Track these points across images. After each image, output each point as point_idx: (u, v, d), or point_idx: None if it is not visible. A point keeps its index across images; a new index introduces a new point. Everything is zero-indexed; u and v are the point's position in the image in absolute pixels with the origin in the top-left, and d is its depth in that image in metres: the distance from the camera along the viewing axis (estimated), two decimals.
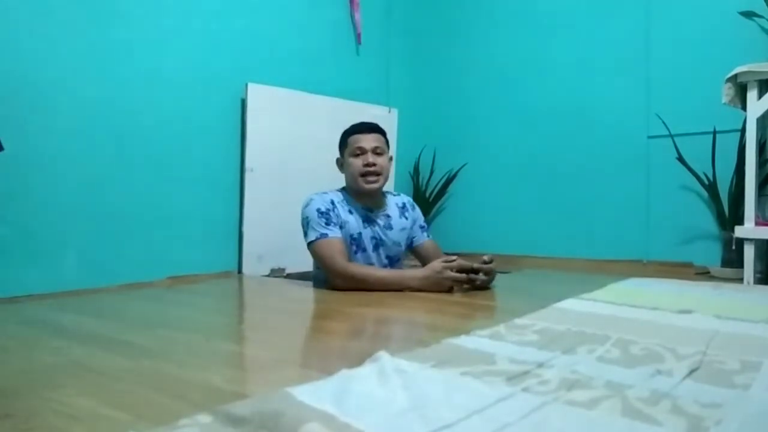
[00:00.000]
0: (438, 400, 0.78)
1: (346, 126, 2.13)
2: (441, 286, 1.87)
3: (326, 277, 1.99)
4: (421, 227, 2.27)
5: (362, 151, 2.03)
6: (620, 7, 3.07)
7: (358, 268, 1.95)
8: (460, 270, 1.88)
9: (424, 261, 2.22)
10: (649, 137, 2.95)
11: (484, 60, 3.59)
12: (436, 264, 1.89)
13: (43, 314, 1.70)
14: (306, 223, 1.99)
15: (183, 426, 0.70)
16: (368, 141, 2.05)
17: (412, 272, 1.97)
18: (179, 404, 0.84)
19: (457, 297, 1.86)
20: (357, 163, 2.03)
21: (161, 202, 2.44)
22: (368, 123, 2.11)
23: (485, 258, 1.95)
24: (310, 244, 1.98)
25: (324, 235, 1.94)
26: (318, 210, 1.98)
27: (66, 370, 1.05)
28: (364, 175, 2.03)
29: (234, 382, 1.01)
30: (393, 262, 2.17)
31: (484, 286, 1.93)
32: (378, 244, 2.10)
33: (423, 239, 2.25)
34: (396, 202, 2.23)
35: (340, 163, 2.13)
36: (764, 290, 1.97)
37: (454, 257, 1.93)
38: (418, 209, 2.31)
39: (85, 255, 2.19)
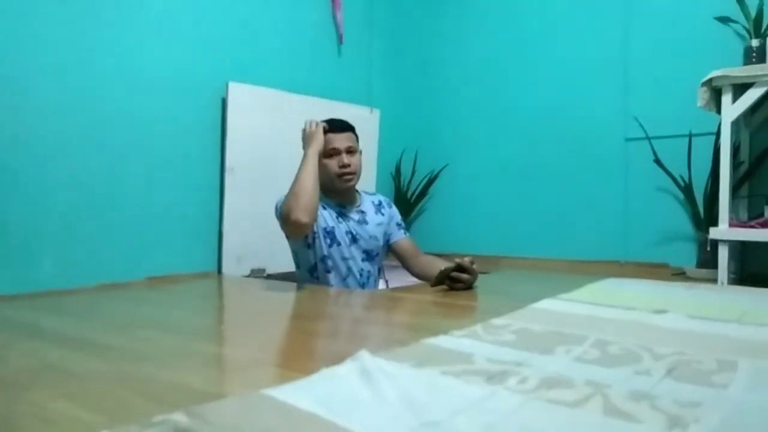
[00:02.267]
0: (421, 399, 0.79)
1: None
2: (311, 132, 1.98)
3: (285, 229, 1.97)
4: (398, 224, 2.28)
5: (336, 152, 2.05)
6: (599, 11, 3.10)
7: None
8: (445, 274, 1.87)
9: (402, 259, 2.23)
10: (627, 140, 2.99)
11: (465, 61, 3.61)
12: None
13: (16, 315, 1.67)
14: (277, 209, 2.01)
15: (157, 424, 0.69)
16: (341, 141, 2.06)
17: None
18: (156, 406, 0.83)
19: (436, 297, 1.86)
20: (332, 164, 2.05)
21: (139, 201, 2.41)
22: (339, 121, 2.11)
23: (467, 259, 1.96)
24: (278, 214, 1.98)
25: (285, 196, 1.95)
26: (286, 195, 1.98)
27: (40, 373, 1.03)
28: (340, 176, 2.05)
29: (212, 383, 1.01)
30: (372, 256, 2.17)
31: (468, 286, 1.95)
32: (354, 238, 2.11)
33: (400, 236, 2.26)
34: (372, 200, 2.25)
35: None
36: (737, 290, 2.00)
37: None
38: (395, 207, 2.33)
39: (61, 254, 2.16)
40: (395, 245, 2.24)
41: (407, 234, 2.30)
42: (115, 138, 2.34)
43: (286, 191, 2.07)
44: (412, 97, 3.84)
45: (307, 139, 2.02)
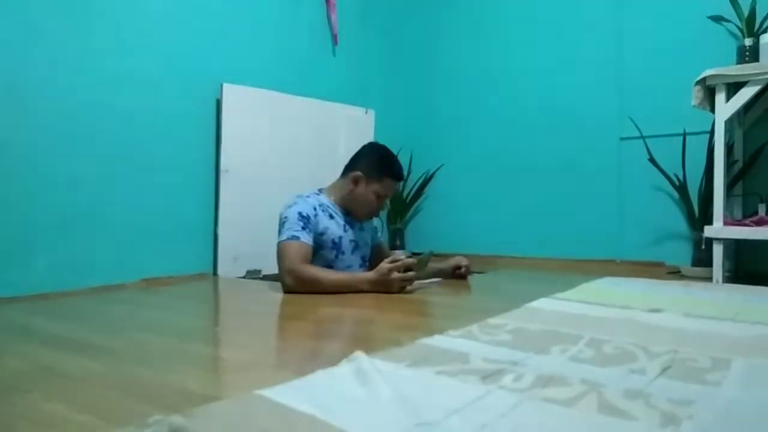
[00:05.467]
0: (417, 399, 0.79)
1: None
2: (390, 288, 1.86)
3: (279, 277, 1.97)
4: (376, 228, 2.35)
5: (384, 196, 2.07)
6: (594, 12, 3.11)
7: (310, 270, 1.92)
8: (407, 269, 1.88)
9: (374, 260, 2.22)
10: (622, 139, 3.00)
11: (460, 62, 3.61)
12: (383, 266, 1.87)
13: (11, 318, 1.66)
14: (283, 222, 1.97)
15: (153, 425, 0.69)
16: (393, 190, 2.12)
17: (362, 275, 1.95)
18: (151, 408, 0.82)
19: (429, 297, 1.87)
20: (375, 202, 2.06)
21: (135, 202, 2.40)
22: (402, 171, 2.14)
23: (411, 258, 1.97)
24: (279, 243, 1.94)
25: (295, 237, 1.92)
26: (300, 213, 1.96)
27: (35, 376, 1.03)
28: (369, 213, 2.10)
29: (208, 385, 1.01)
30: (366, 260, 2.20)
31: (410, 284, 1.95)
32: (356, 246, 2.12)
33: (378, 241, 2.32)
34: None
35: (357, 181, 2.04)
36: (732, 288, 2.01)
37: (401, 257, 1.93)
38: None
39: (56, 257, 2.15)
40: (372, 248, 2.27)
41: (381, 237, 2.38)
42: (109, 139, 2.33)
43: (284, 192, 2.10)
44: (407, 97, 3.84)
45: (378, 283, 1.87)
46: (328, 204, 2.07)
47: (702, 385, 0.86)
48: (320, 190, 2.14)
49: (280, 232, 1.96)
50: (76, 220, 2.22)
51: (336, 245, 2.04)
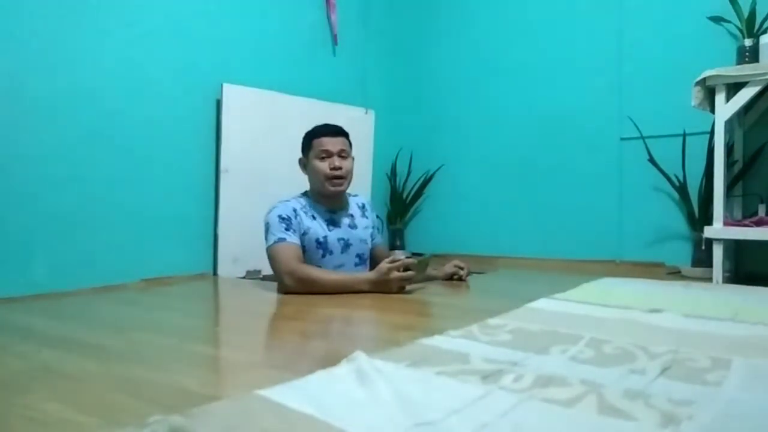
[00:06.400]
0: (417, 399, 0.79)
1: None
2: (389, 287, 1.86)
3: (277, 280, 1.99)
4: (378, 230, 2.33)
5: (328, 155, 2.04)
6: (593, 11, 3.11)
7: (309, 270, 1.93)
8: (407, 269, 1.88)
9: (374, 263, 2.22)
10: (622, 139, 2.99)
11: (460, 62, 3.61)
12: (383, 266, 1.87)
13: (10, 318, 1.66)
14: (267, 229, 2.01)
15: (152, 425, 0.69)
16: (334, 144, 2.05)
17: (361, 275, 1.97)
18: (151, 408, 0.82)
19: (429, 297, 1.87)
20: (323, 166, 2.04)
21: (134, 202, 2.40)
22: (333, 125, 2.11)
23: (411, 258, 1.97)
24: (268, 249, 1.98)
25: (282, 239, 1.95)
26: (279, 216, 1.99)
27: (34, 375, 1.03)
28: (330, 178, 2.04)
29: (208, 385, 1.01)
30: (363, 259, 2.18)
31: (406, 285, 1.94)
32: (346, 244, 2.11)
33: (378, 242, 2.30)
34: (356, 202, 2.26)
35: (303, 164, 2.13)
36: (731, 289, 2.01)
37: (400, 257, 1.93)
38: (374, 211, 2.36)
39: (55, 257, 2.15)
40: (372, 251, 2.26)
41: (382, 239, 2.35)
42: (109, 139, 2.33)
43: (284, 192, 2.10)
44: (407, 97, 3.84)
45: (378, 283, 1.87)
46: (310, 204, 2.09)
47: (702, 385, 0.86)
48: (304, 193, 2.15)
49: (266, 239, 2.00)
50: (76, 221, 2.22)
51: (321, 245, 2.04)
